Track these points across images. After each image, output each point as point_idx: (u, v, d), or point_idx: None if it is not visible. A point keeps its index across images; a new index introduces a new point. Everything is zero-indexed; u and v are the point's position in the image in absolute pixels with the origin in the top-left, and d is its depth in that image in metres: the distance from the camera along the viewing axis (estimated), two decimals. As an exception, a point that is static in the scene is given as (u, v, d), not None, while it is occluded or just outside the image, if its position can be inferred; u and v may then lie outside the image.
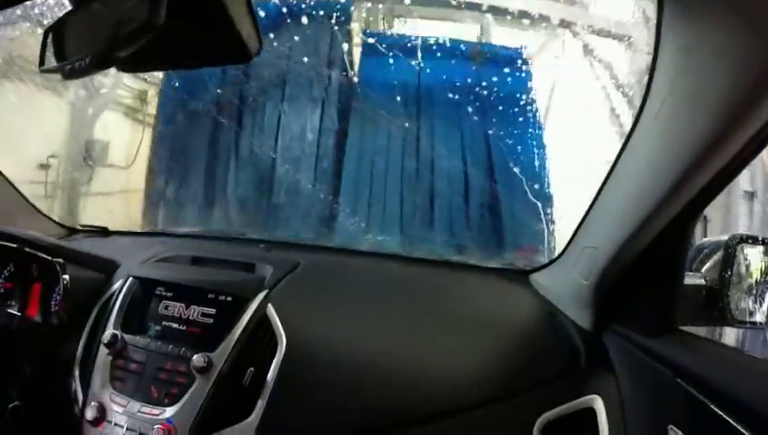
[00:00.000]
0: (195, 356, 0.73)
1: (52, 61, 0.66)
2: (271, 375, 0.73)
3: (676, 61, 0.50)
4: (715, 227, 1.79)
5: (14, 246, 1.00)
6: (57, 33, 0.65)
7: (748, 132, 0.47)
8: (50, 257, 0.95)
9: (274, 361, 0.74)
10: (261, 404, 0.72)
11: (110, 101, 2.39)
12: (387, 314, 0.82)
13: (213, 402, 0.72)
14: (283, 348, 0.74)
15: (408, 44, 2.10)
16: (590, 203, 0.71)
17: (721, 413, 0.59)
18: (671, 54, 0.51)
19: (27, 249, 0.99)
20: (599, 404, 0.69)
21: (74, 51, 0.62)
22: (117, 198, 2.45)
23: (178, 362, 0.75)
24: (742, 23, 0.42)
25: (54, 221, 1.25)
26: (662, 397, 0.69)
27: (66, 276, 0.92)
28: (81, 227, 1.26)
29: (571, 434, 0.70)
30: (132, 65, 0.69)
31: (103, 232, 1.25)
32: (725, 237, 0.71)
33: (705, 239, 0.74)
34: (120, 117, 2.46)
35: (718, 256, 0.71)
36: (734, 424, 0.51)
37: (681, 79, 0.51)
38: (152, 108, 2.45)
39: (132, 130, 2.49)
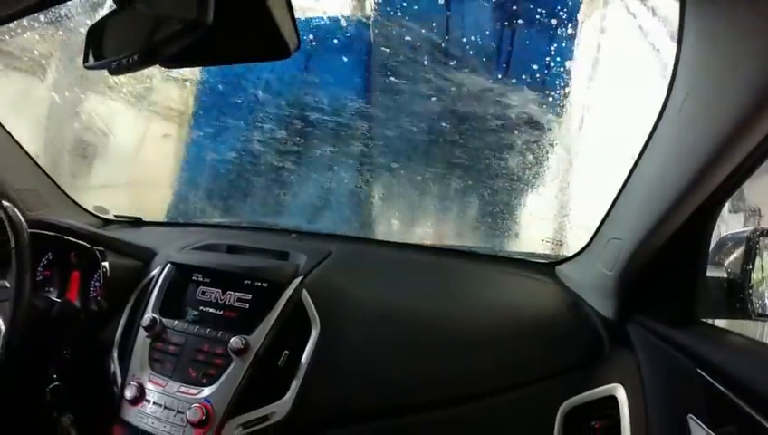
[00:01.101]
0: (232, 339, 0.76)
1: (94, 58, 0.71)
2: (305, 357, 0.76)
3: (700, 52, 0.51)
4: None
5: (53, 234, 1.05)
6: (101, 31, 0.69)
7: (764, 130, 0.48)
8: (89, 245, 1.00)
9: (308, 343, 0.77)
10: (295, 384, 0.75)
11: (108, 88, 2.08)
12: (415, 301, 0.85)
13: (249, 383, 0.75)
14: (317, 331, 0.78)
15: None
16: (615, 195, 0.73)
17: (741, 403, 0.60)
18: (695, 45, 0.52)
19: (67, 237, 1.03)
20: (620, 392, 0.70)
21: (119, 48, 0.66)
22: (118, 192, 2.18)
23: (216, 344, 0.79)
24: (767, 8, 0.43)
25: (89, 212, 1.30)
26: (683, 386, 0.71)
27: (106, 263, 0.97)
28: (115, 218, 1.31)
29: (593, 420, 0.72)
30: (176, 62, 0.73)
31: (137, 222, 1.29)
32: (748, 231, 0.73)
33: (729, 232, 0.75)
34: (120, 105, 2.14)
35: (741, 249, 0.72)
36: (754, 415, 0.53)
37: (704, 71, 0.52)
38: (156, 94, 2.22)
39: (134, 119, 2.20)
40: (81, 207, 1.29)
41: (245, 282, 0.85)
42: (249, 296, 0.83)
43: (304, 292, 0.82)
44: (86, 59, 0.70)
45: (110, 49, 0.66)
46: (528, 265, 0.98)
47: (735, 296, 0.72)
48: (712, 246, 0.71)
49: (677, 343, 0.71)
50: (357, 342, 0.79)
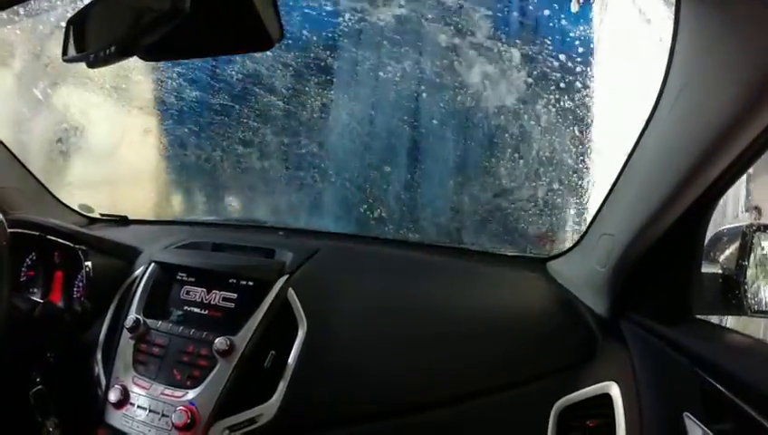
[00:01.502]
0: (217, 339, 0.75)
1: (74, 50, 0.68)
2: (292, 358, 0.75)
3: (694, 49, 0.51)
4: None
5: (37, 233, 1.03)
6: (79, 23, 0.67)
7: (764, 120, 0.47)
8: (72, 245, 0.98)
9: (295, 344, 0.76)
10: (282, 386, 0.73)
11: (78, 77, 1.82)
12: (404, 299, 0.84)
13: (235, 384, 0.74)
14: (304, 331, 0.76)
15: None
16: (607, 190, 0.72)
17: (737, 401, 0.59)
18: (689, 42, 0.51)
19: (50, 237, 1.01)
20: (615, 390, 0.69)
21: (98, 40, 0.63)
22: (98, 191, 1.94)
23: (201, 345, 0.77)
24: (763, 4, 0.43)
25: (73, 210, 1.28)
26: (678, 384, 0.70)
27: (89, 263, 0.95)
28: (100, 216, 1.29)
29: (587, 419, 0.71)
30: (155, 54, 0.71)
31: (122, 221, 1.27)
32: (743, 226, 0.72)
33: (724, 227, 0.74)
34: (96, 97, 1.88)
35: (736, 244, 0.71)
36: (751, 412, 0.52)
37: (699, 67, 0.51)
38: (133, 85, 1.94)
39: (113, 112, 1.93)
40: (65, 205, 1.27)
41: (230, 281, 0.83)
42: (234, 296, 0.82)
43: (291, 290, 0.80)
44: (65, 51, 0.68)
45: (88, 41, 0.64)
46: (519, 261, 0.97)
47: (731, 292, 0.71)
48: (707, 241, 0.70)
49: (672, 340, 0.70)
50: (345, 341, 0.77)
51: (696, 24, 0.49)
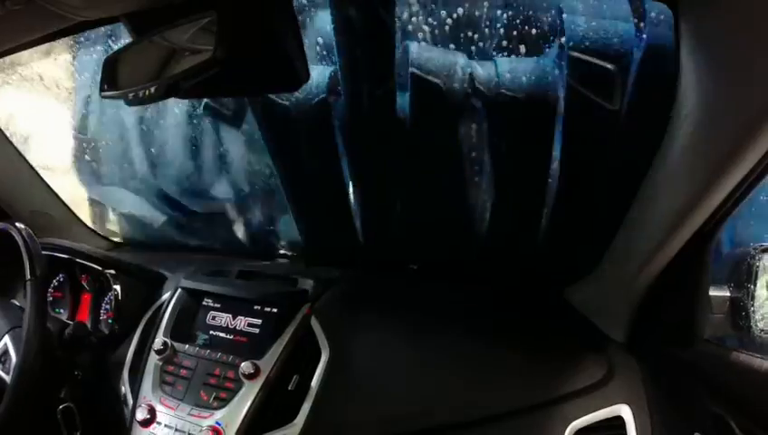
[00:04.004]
0: (243, 363, 0.78)
1: (113, 88, 0.73)
2: (315, 381, 0.77)
3: (697, 79, 0.53)
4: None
5: (66, 256, 1.07)
6: (117, 61, 0.71)
7: (764, 147, 0.48)
8: (101, 268, 1.02)
9: (318, 368, 0.78)
10: (306, 408, 0.76)
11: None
12: (423, 325, 0.86)
13: (260, 406, 0.76)
14: (327, 356, 0.79)
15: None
16: (620, 219, 0.74)
17: (746, 423, 0.61)
18: (691, 72, 0.53)
19: (79, 260, 1.06)
20: (627, 412, 0.70)
21: (135, 79, 0.68)
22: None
23: (227, 368, 0.80)
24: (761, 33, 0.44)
25: (99, 235, 1.33)
26: (689, 406, 0.71)
27: (117, 287, 0.99)
28: (124, 241, 1.33)
29: None
30: (193, 93, 0.76)
31: (147, 246, 1.31)
32: (749, 248, 0.73)
33: (730, 251, 0.76)
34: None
35: (743, 267, 0.73)
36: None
37: (701, 96, 0.53)
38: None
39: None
40: (92, 230, 1.32)
41: (255, 307, 0.86)
42: (259, 322, 0.85)
43: (313, 317, 0.84)
44: (102, 88, 0.73)
45: (127, 79, 0.69)
46: (535, 287, 0.99)
47: (739, 314, 0.73)
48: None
49: (683, 364, 0.72)
50: (366, 366, 0.80)
51: (699, 60, 0.51)
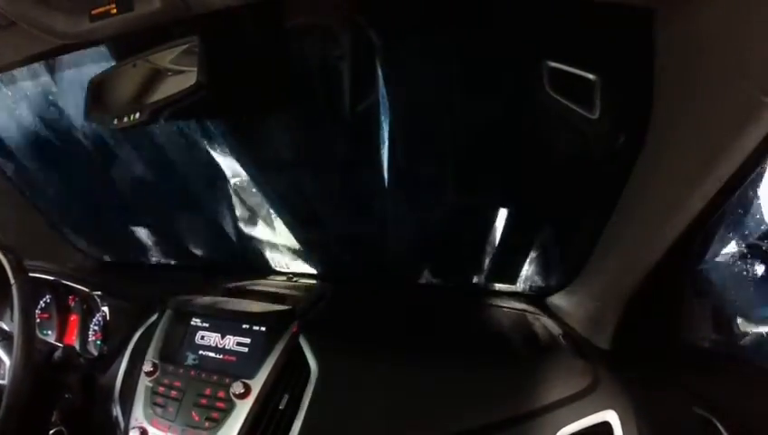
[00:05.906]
0: (234, 383, 0.77)
1: (98, 111, 0.73)
2: (306, 399, 0.77)
3: (676, 88, 0.54)
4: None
5: (53, 278, 1.06)
6: (102, 84, 0.72)
7: (743, 154, 0.50)
8: (89, 290, 1.01)
9: (308, 385, 0.78)
10: (297, 426, 0.76)
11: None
12: (409, 337, 0.87)
13: (252, 426, 0.76)
14: (316, 373, 0.79)
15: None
16: (601, 227, 0.76)
17: (730, 427, 0.62)
18: (670, 81, 0.55)
19: (65, 281, 1.04)
20: (614, 418, 0.71)
21: (120, 102, 0.68)
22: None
23: (217, 388, 0.80)
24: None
25: (86, 254, 1.31)
26: (674, 411, 0.73)
27: (105, 308, 0.98)
28: (111, 260, 1.32)
29: None
30: (177, 117, 0.76)
31: (135, 265, 1.30)
32: (728, 255, 0.76)
33: (710, 258, 0.78)
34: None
35: (723, 274, 0.75)
36: None
37: (680, 105, 0.55)
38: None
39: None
40: (78, 248, 1.30)
41: (243, 326, 0.86)
42: (248, 340, 0.84)
43: (301, 335, 0.84)
44: (88, 110, 0.72)
45: (112, 102, 0.69)
46: (519, 297, 1.00)
47: (721, 321, 0.75)
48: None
49: (666, 368, 0.73)
50: (356, 382, 0.80)
51: (675, 65, 0.53)
